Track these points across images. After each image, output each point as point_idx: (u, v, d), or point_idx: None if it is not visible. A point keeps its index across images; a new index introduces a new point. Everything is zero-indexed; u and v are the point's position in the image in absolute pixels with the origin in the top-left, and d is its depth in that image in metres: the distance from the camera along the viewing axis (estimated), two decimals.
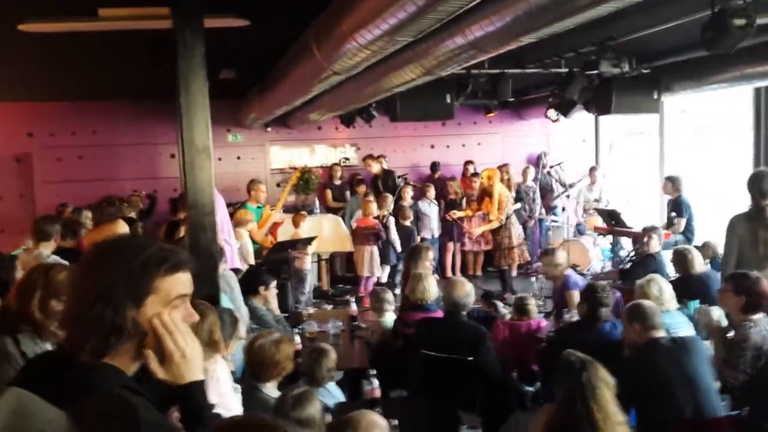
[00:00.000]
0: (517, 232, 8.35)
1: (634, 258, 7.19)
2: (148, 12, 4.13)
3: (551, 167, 10.56)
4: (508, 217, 8.22)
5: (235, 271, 5.53)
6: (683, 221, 7.83)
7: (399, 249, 8.49)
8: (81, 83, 8.05)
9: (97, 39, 5.00)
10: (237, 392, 3.05)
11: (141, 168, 9.96)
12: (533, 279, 6.44)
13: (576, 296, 5.28)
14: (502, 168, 9.74)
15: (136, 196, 8.92)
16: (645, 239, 6.24)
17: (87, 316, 1.35)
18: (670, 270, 6.13)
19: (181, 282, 1.46)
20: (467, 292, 4.20)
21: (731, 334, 3.81)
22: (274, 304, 5.17)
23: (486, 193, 8.42)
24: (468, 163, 10.42)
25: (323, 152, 10.77)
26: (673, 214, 7.88)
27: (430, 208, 9.39)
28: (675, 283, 5.19)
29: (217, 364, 2.93)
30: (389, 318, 4.87)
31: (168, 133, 9.89)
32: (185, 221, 4.17)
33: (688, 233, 7.82)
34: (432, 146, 11.11)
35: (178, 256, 1.47)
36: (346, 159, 10.77)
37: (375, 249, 8.43)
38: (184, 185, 3.27)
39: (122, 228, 4.41)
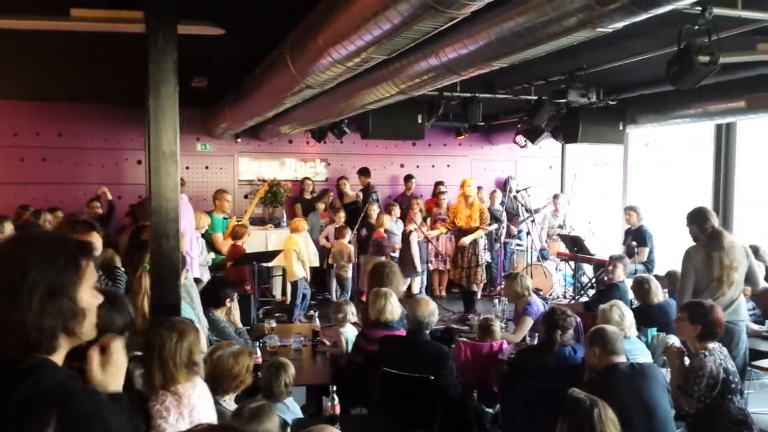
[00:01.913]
0: (482, 252, 8.40)
1: (598, 286, 7.31)
2: (121, 15, 4.09)
3: (517, 192, 10.72)
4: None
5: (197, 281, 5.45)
6: (646, 250, 8.00)
7: (418, 266, 8.84)
8: (48, 83, 7.89)
9: (67, 39, 4.92)
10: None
11: (107, 173, 9.78)
12: (496, 301, 6.48)
13: (529, 322, 5.35)
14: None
15: (96, 201, 8.76)
16: (610, 268, 6.35)
17: (47, 311, 1.37)
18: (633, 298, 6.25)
19: (93, 268, 1.53)
20: (431, 311, 4.20)
21: (687, 361, 3.88)
22: (236, 316, 5.10)
23: (466, 199, 8.22)
24: (438, 183, 10.51)
25: (293, 166, 10.74)
26: (634, 243, 8.04)
27: (396, 226, 9.42)
28: (635, 311, 5.32)
29: (195, 389, 2.69)
30: (349, 330, 4.83)
31: (136, 139, 9.76)
32: (148, 228, 4.10)
33: (649, 263, 7.99)
34: (402, 165, 11.18)
35: (88, 243, 1.56)
36: (345, 178, 10.57)
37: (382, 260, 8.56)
38: (148, 191, 3.22)
39: (96, 240, 4.29)
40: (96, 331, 1.53)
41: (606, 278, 6.53)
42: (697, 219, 5.03)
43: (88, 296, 1.47)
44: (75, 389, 1.37)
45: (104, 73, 6.98)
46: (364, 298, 8.38)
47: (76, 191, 9.39)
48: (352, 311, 4.95)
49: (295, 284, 8.04)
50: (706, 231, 4.93)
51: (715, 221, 4.98)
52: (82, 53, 5.84)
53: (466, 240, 8.15)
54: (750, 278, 5.00)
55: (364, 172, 10.29)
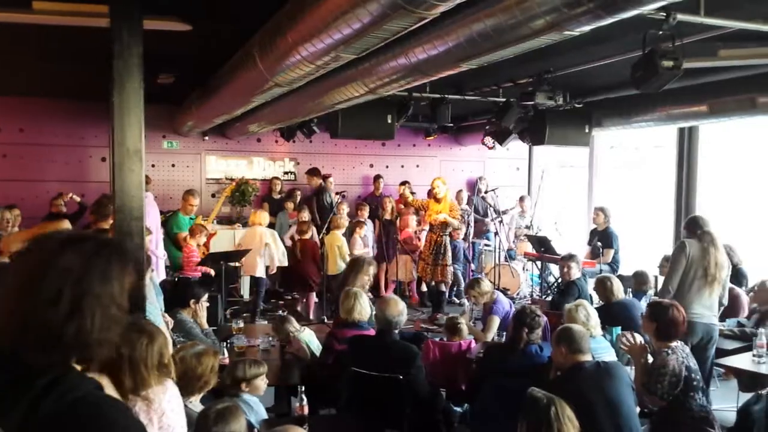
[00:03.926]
0: (450, 250, 8.43)
1: (560, 285, 7.44)
2: (85, 8, 4.00)
3: (486, 192, 10.81)
4: (445, 235, 8.28)
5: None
6: (611, 252, 8.15)
7: None
8: (9, 77, 7.68)
9: (28, 32, 4.80)
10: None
11: (70, 170, 9.56)
12: (465, 300, 6.53)
13: (496, 321, 5.42)
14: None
15: (59, 199, 8.54)
16: (565, 269, 6.49)
17: (109, 325, 1.33)
18: (593, 294, 6.37)
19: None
20: (400, 310, 4.20)
21: (650, 359, 3.95)
22: (203, 317, 5.02)
23: (435, 197, 8.31)
24: (403, 183, 10.52)
25: (261, 165, 10.65)
26: (599, 244, 8.17)
27: (367, 227, 9.41)
28: (598, 310, 5.41)
29: (166, 393, 2.61)
30: (307, 335, 4.77)
31: (100, 136, 9.57)
32: (109, 230, 4.04)
33: (613, 263, 8.13)
34: (371, 165, 11.18)
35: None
36: (289, 173, 10.67)
37: (408, 258, 9.14)
38: (112, 188, 3.16)
39: (66, 225, 4.20)
40: None
41: (563, 277, 6.66)
42: (689, 225, 5.16)
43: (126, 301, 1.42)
44: (103, 399, 1.32)
45: (68, 68, 6.83)
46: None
47: (37, 188, 9.15)
48: (295, 325, 4.83)
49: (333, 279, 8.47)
50: (698, 234, 5.02)
51: (707, 228, 5.03)
52: (45, 47, 5.71)
53: (440, 216, 8.18)
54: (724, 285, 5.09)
55: (313, 172, 10.11)
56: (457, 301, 9.08)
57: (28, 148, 9.36)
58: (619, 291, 5.58)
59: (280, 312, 5.69)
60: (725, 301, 5.20)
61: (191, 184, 9.77)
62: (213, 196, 10.07)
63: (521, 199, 10.58)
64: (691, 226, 5.13)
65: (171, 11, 4.37)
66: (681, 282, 4.95)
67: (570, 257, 6.57)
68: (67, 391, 1.27)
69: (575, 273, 6.43)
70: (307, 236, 8.29)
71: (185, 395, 3.11)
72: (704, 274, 4.90)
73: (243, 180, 9.96)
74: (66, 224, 4.25)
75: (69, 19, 4.21)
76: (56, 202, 8.46)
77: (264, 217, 8.32)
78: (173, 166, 10.16)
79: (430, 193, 8.54)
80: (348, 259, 8.42)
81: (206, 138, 10.17)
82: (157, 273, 5.90)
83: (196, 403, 3.17)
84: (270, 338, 4.95)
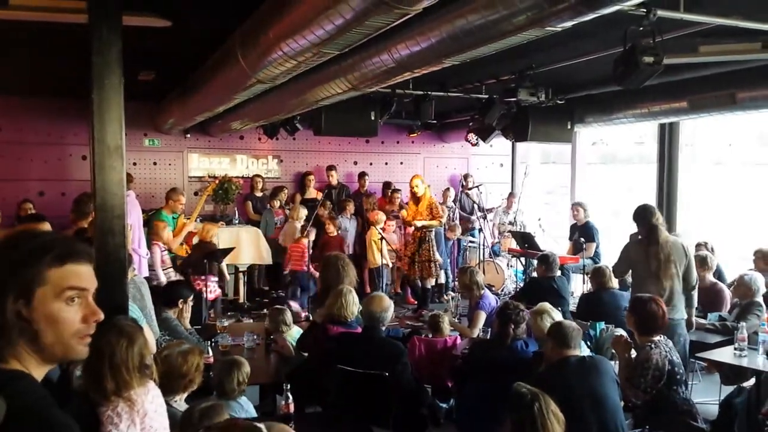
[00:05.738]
0: (435, 247, 8.44)
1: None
2: (63, 4, 3.95)
3: (470, 189, 10.84)
4: (429, 231, 8.28)
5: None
6: (593, 246, 8.20)
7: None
8: None
9: (6, 28, 4.72)
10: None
11: (50, 169, 9.43)
12: (450, 296, 6.55)
13: (483, 317, 5.42)
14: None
15: (29, 203, 8.38)
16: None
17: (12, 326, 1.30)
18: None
19: (75, 273, 1.37)
20: (384, 307, 4.20)
21: (633, 354, 3.98)
22: (186, 318, 4.98)
23: (414, 196, 8.30)
24: (387, 184, 10.53)
25: (244, 162, 10.57)
26: (582, 239, 8.22)
27: (350, 224, 9.40)
28: (588, 297, 5.52)
29: (148, 394, 2.60)
30: (295, 333, 4.76)
31: (80, 134, 9.45)
32: (92, 224, 3.99)
33: (595, 257, 8.20)
34: (355, 162, 11.17)
35: (71, 245, 1.40)
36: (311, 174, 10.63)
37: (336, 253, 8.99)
38: (93, 186, 3.12)
39: (46, 227, 4.14)
40: (82, 346, 1.39)
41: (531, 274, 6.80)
42: (637, 217, 5.14)
43: (51, 305, 1.34)
44: (41, 410, 1.28)
45: (46, 65, 6.73)
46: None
47: (17, 189, 9.02)
48: (288, 320, 4.83)
49: (374, 271, 8.85)
50: (646, 227, 5.06)
51: (655, 218, 5.03)
52: (23, 43, 5.62)
53: (417, 224, 8.12)
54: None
55: (333, 168, 10.34)
56: (446, 298, 9.09)
57: (6, 147, 9.22)
58: (614, 281, 5.80)
59: (265, 310, 5.65)
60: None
61: (173, 182, 9.69)
62: (196, 194, 9.99)
63: (510, 195, 10.63)
64: (638, 219, 5.09)
65: (150, 7, 4.32)
66: (637, 285, 5.04)
67: (542, 259, 6.58)
68: (8, 397, 1.24)
69: (541, 271, 6.49)
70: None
71: (170, 394, 3.09)
72: (651, 273, 4.91)
73: (226, 178, 9.89)
74: (46, 226, 4.21)
75: (47, 15, 4.15)
76: (24, 206, 8.29)
77: (302, 212, 8.63)
78: (155, 164, 10.06)
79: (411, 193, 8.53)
80: (386, 252, 8.63)
81: (188, 135, 10.08)
82: (139, 272, 5.83)
83: (180, 403, 3.15)
84: (255, 336, 4.92)
